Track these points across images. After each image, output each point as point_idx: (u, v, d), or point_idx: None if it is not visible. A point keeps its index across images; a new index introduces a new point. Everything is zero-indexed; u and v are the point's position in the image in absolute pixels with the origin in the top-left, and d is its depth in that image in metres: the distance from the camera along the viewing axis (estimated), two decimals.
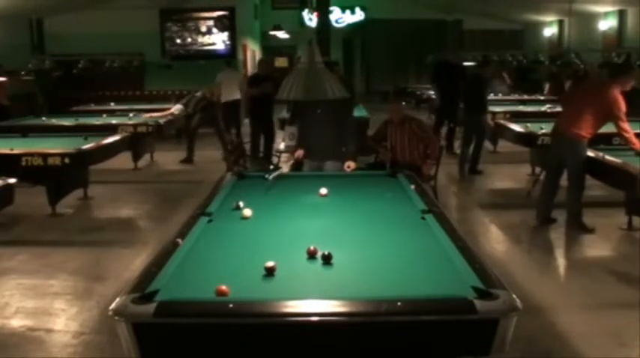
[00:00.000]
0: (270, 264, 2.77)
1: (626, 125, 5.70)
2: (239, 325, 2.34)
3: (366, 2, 20.07)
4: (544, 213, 6.19)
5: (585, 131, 5.81)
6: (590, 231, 5.92)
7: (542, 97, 13.27)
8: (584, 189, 5.95)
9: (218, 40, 14.55)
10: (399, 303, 2.32)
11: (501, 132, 9.05)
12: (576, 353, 3.71)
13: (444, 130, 10.89)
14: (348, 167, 5.53)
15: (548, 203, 6.19)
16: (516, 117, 9.53)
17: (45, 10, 13.42)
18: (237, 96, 12.07)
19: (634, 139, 5.72)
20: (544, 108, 10.78)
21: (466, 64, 15.25)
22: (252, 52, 17.51)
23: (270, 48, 20.96)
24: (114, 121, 9.75)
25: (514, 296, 2.41)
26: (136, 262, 5.20)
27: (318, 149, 5.66)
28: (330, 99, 5.35)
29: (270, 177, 4.81)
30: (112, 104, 12.63)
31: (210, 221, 3.68)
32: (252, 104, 9.69)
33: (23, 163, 6.46)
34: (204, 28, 14.56)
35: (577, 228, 5.95)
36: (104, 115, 10.58)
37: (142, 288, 2.53)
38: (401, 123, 6.60)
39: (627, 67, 6.04)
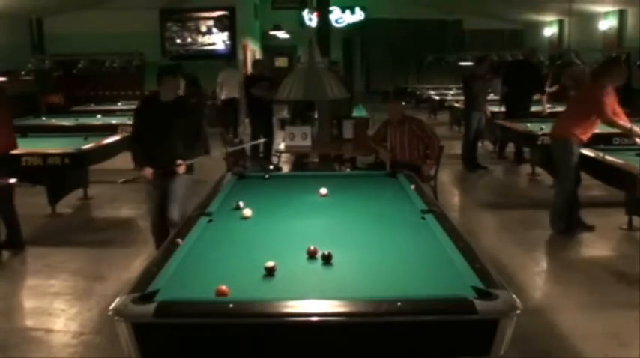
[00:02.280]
0: (270, 264, 2.77)
1: (610, 118, 5.60)
2: (239, 325, 2.34)
3: (366, 2, 20.06)
4: (568, 219, 6.00)
5: (573, 131, 5.75)
6: (570, 235, 5.89)
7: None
8: (568, 191, 5.85)
9: (218, 40, 14.56)
10: (399, 303, 2.32)
11: (501, 132, 9.09)
12: (576, 353, 3.71)
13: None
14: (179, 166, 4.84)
15: (572, 209, 6.00)
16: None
17: (45, 10, 13.42)
18: (236, 94, 12.21)
19: (621, 124, 5.67)
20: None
21: (464, 63, 15.32)
22: (252, 52, 17.52)
23: (270, 48, 20.95)
24: (114, 121, 9.74)
25: (514, 296, 2.41)
26: (136, 262, 5.21)
27: (162, 165, 4.84)
28: (175, 106, 4.83)
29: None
30: (119, 104, 12.63)
31: (210, 221, 3.68)
32: (251, 105, 9.72)
33: (23, 163, 6.46)
34: (204, 28, 14.57)
35: (556, 231, 5.94)
36: (99, 116, 10.59)
37: (142, 288, 2.53)
38: (401, 123, 6.61)
39: (612, 61, 5.96)
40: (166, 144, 4.81)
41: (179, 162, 4.81)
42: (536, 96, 9.93)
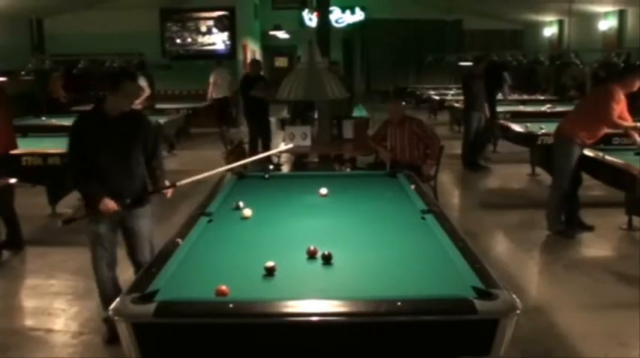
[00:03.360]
0: (270, 264, 2.77)
1: (615, 122, 5.56)
2: (239, 325, 2.34)
3: (366, 2, 20.05)
4: (568, 219, 6.01)
5: (577, 133, 5.73)
6: (569, 236, 5.88)
7: (542, 97, 13.27)
8: (562, 191, 5.85)
9: (218, 40, 14.56)
10: (399, 303, 2.32)
11: (501, 132, 9.09)
12: (576, 353, 3.71)
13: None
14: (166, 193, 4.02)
15: (571, 209, 6.00)
16: (516, 117, 9.58)
17: (45, 10, 13.41)
18: (228, 93, 13.15)
19: (626, 124, 5.61)
20: (544, 108, 10.80)
21: (464, 63, 15.33)
22: (252, 52, 17.51)
23: (270, 48, 20.95)
24: None
25: (514, 296, 2.41)
26: None
27: (120, 196, 3.78)
28: (130, 121, 3.83)
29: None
30: None
31: (210, 221, 3.68)
32: (248, 106, 9.73)
33: (23, 163, 6.45)
34: (204, 28, 14.56)
35: (554, 232, 5.92)
36: None
37: (142, 288, 2.53)
38: (401, 123, 6.61)
39: (630, 68, 5.91)
40: (125, 170, 3.82)
41: (167, 183, 3.99)
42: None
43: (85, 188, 3.87)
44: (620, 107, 5.57)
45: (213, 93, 13.33)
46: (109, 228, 3.85)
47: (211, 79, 13.33)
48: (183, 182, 3.98)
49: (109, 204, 3.71)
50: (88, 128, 3.81)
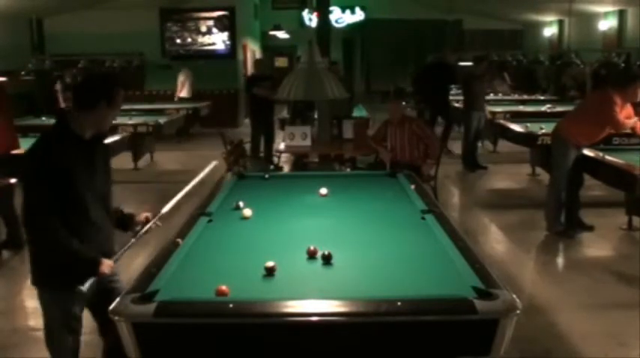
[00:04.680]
0: (270, 264, 2.77)
1: (623, 122, 5.53)
2: (239, 325, 2.34)
3: (366, 2, 20.06)
4: (568, 219, 6.01)
5: (574, 134, 5.73)
6: (569, 236, 5.87)
7: (542, 97, 13.28)
8: (559, 191, 5.86)
9: (218, 40, 14.57)
10: (399, 303, 2.32)
11: (501, 132, 9.10)
12: (576, 353, 3.71)
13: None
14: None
15: (571, 209, 6.01)
16: (516, 117, 9.59)
17: (45, 10, 13.42)
18: (190, 94, 13.54)
19: (631, 122, 5.60)
20: (544, 108, 10.80)
21: (464, 63, 15.36)
22: (252, 52, 17.52)
23: (270, 48, 20.95)
24: (114, 121, 9.75)
25: (514, 296, 2.41)
26: (136, 262, 5.20)
27: (103, 246, 2.86)
28: (97, 143, 2.87)
29: None
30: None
31: (210, 221, 3.68)
32: (253, 104, 9.72)
33: None
34: (204, 28, 14.58)
35: (554, 233, 5.92)
36: None
37: (142, 288, 2.53)
38: (401, 123, 6.61)
39: (630, 77, 5.80)
40: (106, 213, 2.91)
41: (147, 215, 3.17)
42: None
43: (77, 250, 2.67)
44: (624, 111, 5.55)
45: (181, 93, 13.58)
46: (83, 303, 2.86)
47: (180, 79, 13.54)
48: (166, 209, 3.23)
49: (107, 264, 2.72)
50: (64, 158, 2.64)
